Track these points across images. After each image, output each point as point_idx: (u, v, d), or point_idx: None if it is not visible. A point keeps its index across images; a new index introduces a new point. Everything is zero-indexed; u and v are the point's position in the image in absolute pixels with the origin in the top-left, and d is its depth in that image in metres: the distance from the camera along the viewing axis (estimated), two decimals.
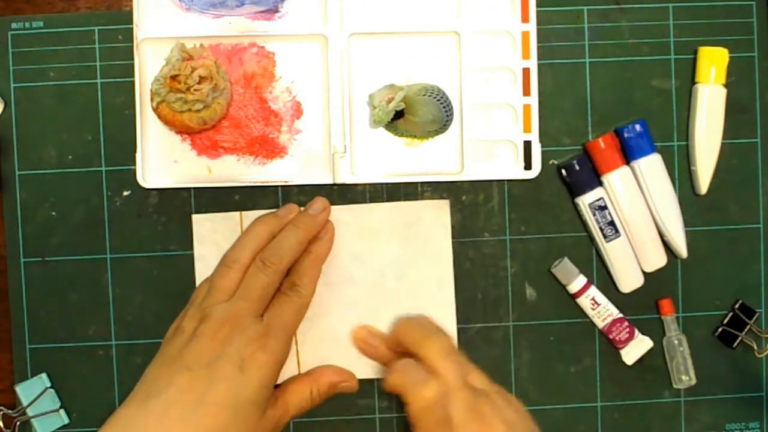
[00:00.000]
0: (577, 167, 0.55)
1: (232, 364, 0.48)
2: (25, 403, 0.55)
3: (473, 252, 0.56)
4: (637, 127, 0.55)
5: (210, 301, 0.50)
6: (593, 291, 0.55)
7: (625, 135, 0.55)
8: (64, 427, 0.55)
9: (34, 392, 0.55)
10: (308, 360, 0.56)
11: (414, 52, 0.56)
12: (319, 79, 0.55)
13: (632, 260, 0.56)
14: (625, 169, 0.55)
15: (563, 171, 0.55)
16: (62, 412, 0.55)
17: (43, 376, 0.55)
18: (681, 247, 0.55)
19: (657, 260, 0.56)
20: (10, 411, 0.55)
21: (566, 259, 0.56)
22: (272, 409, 0.50)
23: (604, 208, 0.55)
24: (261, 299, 0.50)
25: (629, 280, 0.56)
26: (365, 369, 0.56)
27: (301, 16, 0.55)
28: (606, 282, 0.56)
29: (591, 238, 0.56)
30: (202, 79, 0.51)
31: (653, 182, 0.55)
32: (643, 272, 0.56)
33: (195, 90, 0.51)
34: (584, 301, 0.55)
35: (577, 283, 0.55)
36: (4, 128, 0.55)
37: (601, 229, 0.55)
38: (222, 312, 0.49)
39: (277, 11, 0.55)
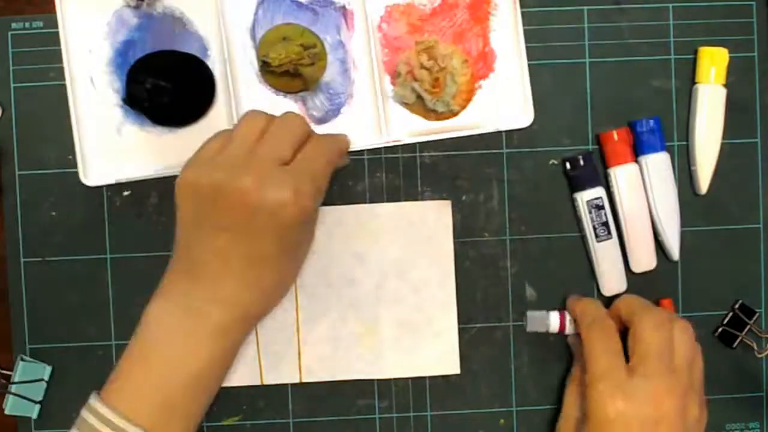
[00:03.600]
0: (581, 162, 0.55)
1: (267, 217, 0.46)
2: (17, 378, 0.55)
3: (473, 252, 0.56)
4: (651, 122, 0.55)
5: (232, 149, 0.48)
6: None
7: (638, 129, 0.55)
8: (64, 426, 0.56)
9: (30, 376, 0.55)
10: (309, 360, 0.56)
11: None
12: None
13: (619, 264, 0.56)
14: (633, 166, 0.55)
15: (567, 164, 0.55)
16: (37, 407, 0.55)
17: (48, 368, 0.55)
18: (674, 249, 0.55)
19: (648, 262, 0.56)
20: (2, 379, 0.55)
21: (528, 313, 0.55)
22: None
23: (600, 207, 0.55)
24: (289, 146, 0.48)
25: (612, 284, 0.56)
26: (365, 369, 0.56)
27: None
28: None
29: (583, 237, 0.56)
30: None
31: (658, 180, 0.55)
32: (643, 273, 0.56)
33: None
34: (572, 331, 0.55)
35: (553, 321, 0.55)
36: (4, 128, 0.55)
37: (594, 228, 0.55)
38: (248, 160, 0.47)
39: None
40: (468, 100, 0.55)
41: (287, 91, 0.55)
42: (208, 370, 0.49)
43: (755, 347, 0.56)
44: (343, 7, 0.55)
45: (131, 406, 0.47)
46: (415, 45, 0.54)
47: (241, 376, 0.55)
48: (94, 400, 0.47)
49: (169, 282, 0.50)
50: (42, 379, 0.55)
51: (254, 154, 0.47)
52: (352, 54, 0.55)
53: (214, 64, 0.55)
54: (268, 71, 0.54)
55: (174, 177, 0.55)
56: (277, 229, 0.47)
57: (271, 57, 0.53)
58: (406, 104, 0.55)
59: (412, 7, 0.55)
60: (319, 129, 0.55)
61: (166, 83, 0.53)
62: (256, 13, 0.55)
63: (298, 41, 0.53)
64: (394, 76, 0.55)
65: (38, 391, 0.55)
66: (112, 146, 0.55)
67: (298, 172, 0.47)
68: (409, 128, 0.56)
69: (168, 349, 0.48)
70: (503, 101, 0.55)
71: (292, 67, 0.53)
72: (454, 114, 0.55)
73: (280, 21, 0.55)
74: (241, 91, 0.55)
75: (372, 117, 0.55)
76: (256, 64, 0.55)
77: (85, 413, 0.47)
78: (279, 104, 0.55)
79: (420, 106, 0.55)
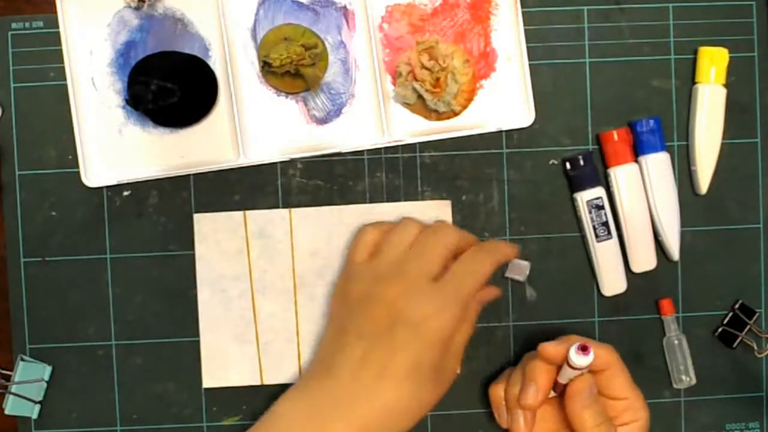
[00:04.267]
0: (581, 162, 0.55)
1: (408, 330, 0.46)
2: (17, 378, 0.55)
3: None
4: (651, 122, 0.55)
5: (382, 257, 0.49)
6: None
7: (638, 129, 0.55)
8: (64, 426, 0.56)
9: (30, 376, 0.55)
10: (309, 360, 0.55)
11: None
12: None
13: (619, 265, 0.56)
14: (632, 166, 0.55)
15: (567, 164, 0.55)
16: (37, 407, 0.55)
17: (48, 368, 0.55)
18: (674, 249, 0.55)
19: (648, 262, 0.56)
20: (2, 379, 0.55)
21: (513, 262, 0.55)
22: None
23: (600, 207, 0.55)
24: (439, 259, 0.49)
25: (612, 284, 0.56)
26: None
27: None
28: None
29: (583, 237, 0.56)
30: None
31: (658, 180, 0.55)
32: (643, 272, 0.56)
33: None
34: None
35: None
36: (4, 129, 0.55)
37: (594, 228, 0.55)
38: (395, 273, 0.48)
39: None
40: (469, 100, 0.55)
41: (288, 92, 0.55)
42: None
43: (755, 347, 0.57)
44: (344, 7, 0.55)
45: None
46: (416, 45, 0.54)
47: (241, 376, 0.55)
48: None
49: (303, 380, 0.49)
50: (42, 379, 0.55)
51: (402, 267, 0.48)
52: (354, 54, 0.55)
53: (215, 64, 0.55)
54: (270, 72, 0.54)
55: (175, 177, 0.55)
56: (414, 345, 0.47)
57: (273, 57, 0.53)
58: (407, 104, 0.55)
59: (413, 7, 0.55)
60: (321, 129, 0.55)
61: (171, 84, 0.53)
62: (257, 14, 0.55)
63: (300, 41, 0.53)
64: (395, 76, 0.55)
65: (38, 391, 0.55)
66: (114, 147, 0.55)
67: (445, 290, 0.48)
68: (410, 128, 0.56)
69: None
70: (504, 101, 0.55)
71: (293, 68, 0.53)
72: (456, 114, 0.55)
73: (281, 21, 0.55)
74: (243, 91, 0.55)
75: (373, 117, 0.55)
76: (257, 65, 0.55)
77: None
78: (280, 105, 0.55)
79: (421, 106, 0.55)
